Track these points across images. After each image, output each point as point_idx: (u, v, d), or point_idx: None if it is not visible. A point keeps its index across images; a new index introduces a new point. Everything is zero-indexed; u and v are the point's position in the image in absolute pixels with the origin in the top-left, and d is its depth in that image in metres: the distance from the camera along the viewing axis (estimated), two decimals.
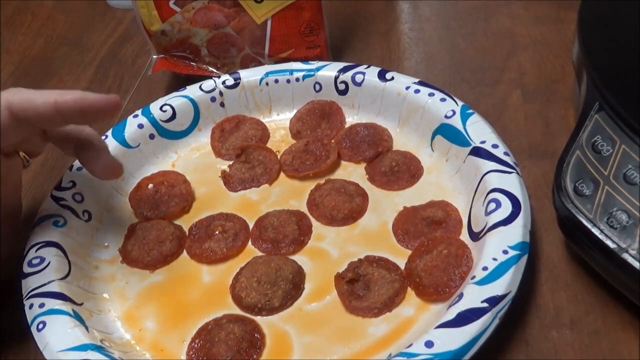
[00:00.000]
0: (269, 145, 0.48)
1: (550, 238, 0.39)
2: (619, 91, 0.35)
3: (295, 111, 0.49)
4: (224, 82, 0.49)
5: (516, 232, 0.35)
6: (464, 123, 0.42)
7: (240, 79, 0.49)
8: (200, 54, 0.54)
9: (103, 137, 0.46)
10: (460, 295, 0.33)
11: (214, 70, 0.54)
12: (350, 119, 0.48)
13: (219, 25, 0.53)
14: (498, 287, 0.32)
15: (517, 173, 0.38)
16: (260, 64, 0.54)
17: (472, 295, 0.32)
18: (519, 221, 0.35)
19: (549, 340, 0.34)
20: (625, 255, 0.31)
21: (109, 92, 0.54)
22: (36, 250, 0.39)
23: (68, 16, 0.67)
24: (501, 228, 0.35)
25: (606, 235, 0.32)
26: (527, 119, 0.47)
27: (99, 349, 0.34)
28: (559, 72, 0.50)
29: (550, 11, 0.56)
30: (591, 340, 0.34)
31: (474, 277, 0.33)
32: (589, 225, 0.33)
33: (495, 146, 0.40)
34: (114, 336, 0.37)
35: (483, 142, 0.40)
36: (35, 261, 0.38)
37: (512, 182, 0.37)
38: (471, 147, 0.41)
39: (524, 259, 0.34)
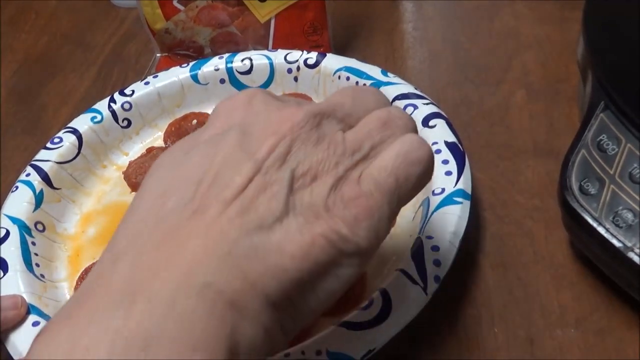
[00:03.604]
0: None
1: (555, 237, 0.39)
2: (625, 90, 0.35)
3: None
4: (305, 60, 0.49)
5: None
6: (433, 211, 0.37)
7: (320, 62, 0.48)
8: (203, 53, 0.54)
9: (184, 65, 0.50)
10: None
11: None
12: None
13: (223, 24, 0.53)
14: None
15: None
16: None
17: None
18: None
19: (554, 339, 0.34)
20: (631, 254, 0.31)
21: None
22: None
23: (71, 15, 0.67)
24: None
25: (612, 234, 0.32)
26: (531, 118, 0.46)
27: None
28: (564, 72, 0.50)
29: (554, 11, 0.56)
30: (596, 339, 0.34)
31: None
32: (594, 224, 0.33)
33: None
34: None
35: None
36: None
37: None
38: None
39: None
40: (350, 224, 0.23)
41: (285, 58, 0.49)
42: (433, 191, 0.38)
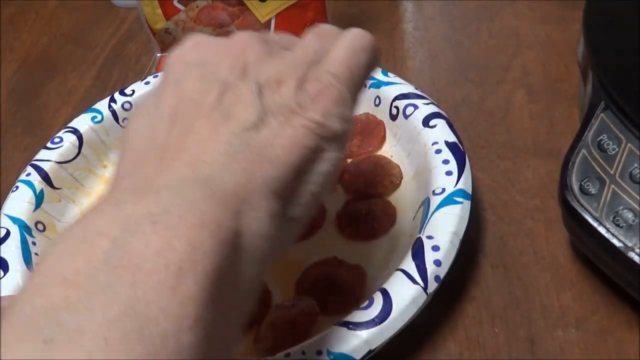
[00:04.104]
0: None
1: (555, 237, 0.39)
2: (625, 90, 0.35)
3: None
4: None
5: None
6: (434, 211, 0.36)
7: None
8: None
9: None
10: None
11: None
12: (387, 147, 0.44)
13: (223, 24, 0.53)
14: None
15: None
16: None
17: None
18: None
19: (554, 340, 0.34)
20: (632, 254, 0.31)
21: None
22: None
23: (72, 15, 0.67)
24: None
25: (612, 234, 0.32)
26: (532, 118, 0.46)
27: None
28: (564, 72, 0.50)
29: (555, 10, 0.56)
30: (597, 340, 0.34)
31: None
32: (594, 224, 0.33)
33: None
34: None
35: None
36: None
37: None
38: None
39: None
40: (322, 113, 0.26)
41: None
42: (433, 191, 0.38)
